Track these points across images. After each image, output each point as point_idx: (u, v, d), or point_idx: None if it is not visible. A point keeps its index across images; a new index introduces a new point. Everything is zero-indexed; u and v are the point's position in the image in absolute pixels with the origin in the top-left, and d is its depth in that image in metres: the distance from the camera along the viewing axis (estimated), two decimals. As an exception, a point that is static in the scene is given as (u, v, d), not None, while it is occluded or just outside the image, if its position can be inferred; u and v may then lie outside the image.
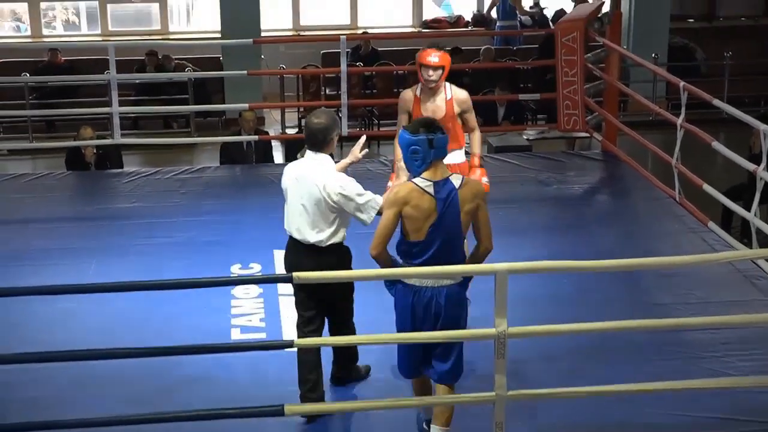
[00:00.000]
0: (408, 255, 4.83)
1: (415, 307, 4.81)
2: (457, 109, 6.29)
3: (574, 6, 12.67)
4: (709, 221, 7.74)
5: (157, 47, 13.43)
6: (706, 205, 8.04)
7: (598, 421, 5.22)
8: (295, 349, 5.24)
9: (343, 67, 9.54)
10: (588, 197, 8.85)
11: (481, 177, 6.22)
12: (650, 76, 12.63)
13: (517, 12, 14.70)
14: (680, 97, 7.94)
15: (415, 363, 4.94)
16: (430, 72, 6.18)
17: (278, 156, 11.05)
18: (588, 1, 11.19)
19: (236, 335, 6.15)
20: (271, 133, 11.87)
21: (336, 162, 5.32)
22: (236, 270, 7.04)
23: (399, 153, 5.72)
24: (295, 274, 4.77)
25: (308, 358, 5.27)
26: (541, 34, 13.58)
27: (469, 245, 5.06)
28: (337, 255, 5.22)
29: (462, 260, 4.90)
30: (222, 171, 9.49)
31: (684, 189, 8.11)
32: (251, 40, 10.36)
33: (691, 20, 15.53)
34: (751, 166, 7.17)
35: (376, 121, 12.74)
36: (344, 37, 9.60)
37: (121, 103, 9.69)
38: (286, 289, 6.51)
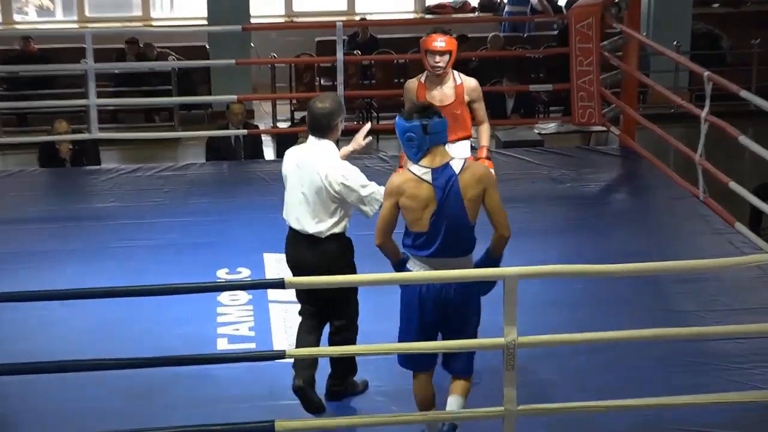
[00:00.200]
0: (413, 247, 4.84)
1: (423, 296, 4.81)
2: (466, 98, 6.39)
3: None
4: (735, 222, 7.74)
5: (138, 34, 13.43)
6: (733, 205, 8.05)
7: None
8: (287, 361, 5.23)
9: (340, 55, 9.54)
10: (604, 196, 8.86)
11: None
12: (672, 66, 12.65)
13: (528, -4, 14.74)
14: (704, 88, 7.95)
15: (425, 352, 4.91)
16: (437, 58, 6.26)
17: (269, 152, 11.06)
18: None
19: (223, 345, 6.14)
20: (262, 127, 11.87)
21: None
22: (223, 275, 7.03)
23: None
24: (286, 279, 4.80)
25: (306, 339, 5.34)
26: (556, 21, 13.60)
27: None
28: (337, 245, 5.25)
29: (473, 249, 4.88)
30: (208, 168, 9.49)
31: (709, 187, 8.11)
32: (240, 26, 10.39)
33: (716, 5, 15.56)
34: (781, 162, 7.18)
35: (376, 114, 12.76)
36: (341, 23, 9.61)
37: (99, 95, 9.70)
38: (277, 295, 6.51)
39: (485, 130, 6.52)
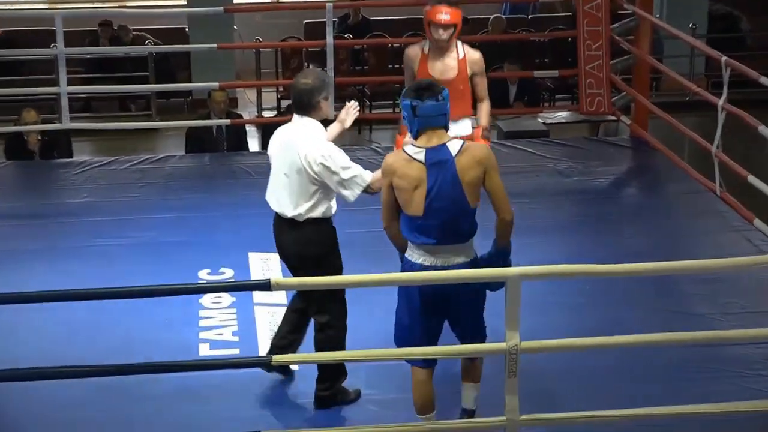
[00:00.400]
0: (410, 231, 4.88)
1: (422, 288, 4.85)
2: (469, 71, 6.52)
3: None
4: (754, 218, 7.76)
5: (112, 16, 13.43)
6: (752, 200, 8.06)
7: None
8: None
9: (330, 39, 9.57)
10: (614, 190, 8.89)
11: None
12: (687, 50, 12.67)
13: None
14: (722, 75, 7.97)
15: (431, 342, 4.96)
16: (441, 31, 6.42)
17: (253, 143, 11.09)
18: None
19: (205, 351, 6.16)
20: (246, 117, 11.89)
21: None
22: (205, 276, 7.06)
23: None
24: (272, 280, 4.79)
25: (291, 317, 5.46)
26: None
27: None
28: (315, 230, 5.31)
29: (473, 234, 4.92)
30: (188, 160, 9.51)
31: (726, 181, 8.14)
32: (222, 8, 10.37)
33: (735, -16, 15.58)
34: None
35: (368, 103, 12.77)
36: (331, 4, 9.61)
37: (70, 82, 9.69)
38: (263, 297, 6.55)
39: (486, 108, 6.66)
